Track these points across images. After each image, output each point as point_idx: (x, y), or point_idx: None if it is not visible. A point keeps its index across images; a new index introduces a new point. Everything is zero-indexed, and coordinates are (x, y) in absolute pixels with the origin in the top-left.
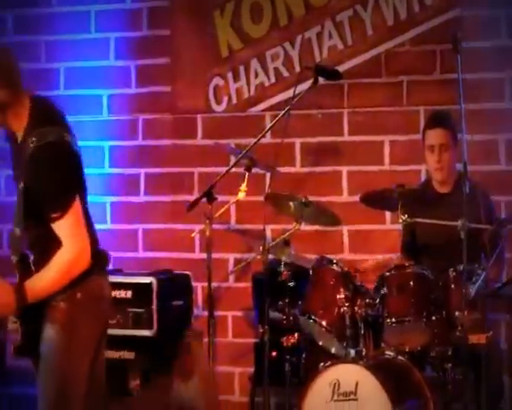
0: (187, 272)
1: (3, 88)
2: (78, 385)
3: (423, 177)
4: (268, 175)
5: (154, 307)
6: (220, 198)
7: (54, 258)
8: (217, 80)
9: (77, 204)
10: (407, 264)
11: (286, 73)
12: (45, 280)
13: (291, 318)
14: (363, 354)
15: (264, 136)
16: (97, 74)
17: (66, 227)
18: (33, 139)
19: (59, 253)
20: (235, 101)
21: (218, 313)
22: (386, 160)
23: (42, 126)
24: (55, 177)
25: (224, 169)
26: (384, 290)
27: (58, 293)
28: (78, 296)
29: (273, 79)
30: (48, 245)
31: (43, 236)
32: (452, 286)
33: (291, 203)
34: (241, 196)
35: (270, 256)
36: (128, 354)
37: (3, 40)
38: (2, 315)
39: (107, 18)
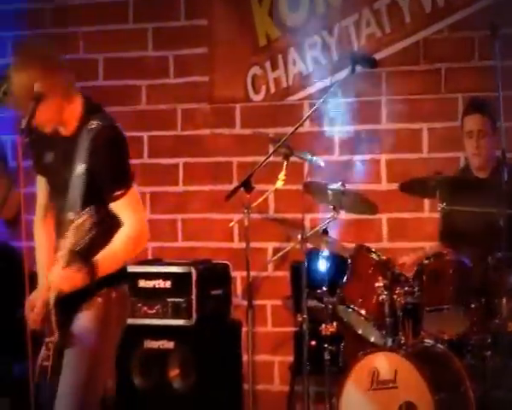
0: (226, 262)
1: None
2: (105, 369)
3: (462, 164)
4: (306, 164)
5: (194, 296)
6: (258, 187)
7: (118, 235)
8: (255, 69)
9: (134, 184)
10: (445, 252)
11: (324, 62)
12: (113, 256)
13: (330, 306)
14: (402, 342)
15: (302, 124)
16: (136, 65)
17: (128, 205)
18: (95, 122)
19: (122, 230)
20: (273, 90)
21: (257, 302)
22: (425, 147)
23: (99, 112)
24: (118, 155)
25: (262, 158)
26: (423, 278)
27: (96, 289)
28: (114, 295)
29: (311, 68)
30: (107, 228)
31: (103, 219)
32: (491, 274)
33: (329, 192)
34: (280, 184)
35: (309, 245)
36: (167, 344)
37: (43, 32)
38: (72, 290)
39: (146, 8)
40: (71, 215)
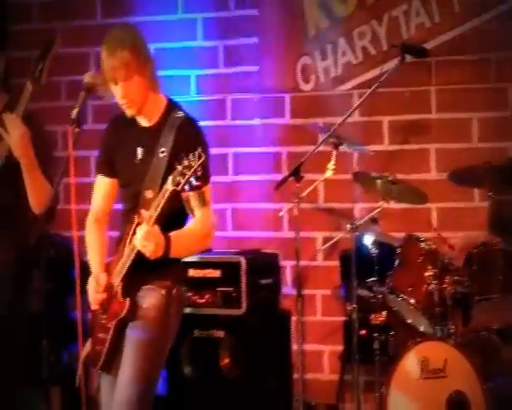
0: (275, 251)
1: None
2: (163, 359)
3: (511, 154)
4: (356, 153)
5: (243, 286)
6: (308, 177)
7: (191, 225)
8: (304, 59)
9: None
10: (494, 241)
11: (373, 52)
12: (185, 241)
13: (379, 296)
14: (452, 331)
15: (351, 114)
16: (185, 55)
17: (204, 198)
18: (181, 113)
19: (199, 220)
20: (322, 79)
21: (307, 291)
22: (474, 137)
23: (181, 107)
24: (202, 147)
25: (311, 148)
26: (472, 267)
27: (160, 281)
28: (174, 292)
29: (360, 58)
30: (176, 216)
31: (175, 206)
32: None
33: (378, 181)
34: (329, 174)
35: (358, 234)
36: (217, 333)
37: (93, 23)
38: (152, 255)
39: None
40: (149, 194)
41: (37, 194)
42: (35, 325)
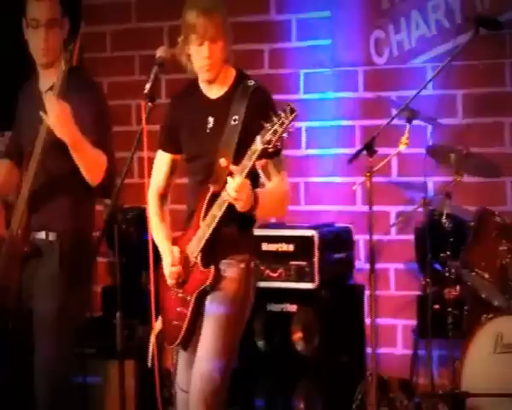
0: (348, 225)
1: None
2: (242, 332)
3: None
4: (429, 127)
5: (316, 260)
6: (381, 151)
7: (275, 186)
8: (378, 33)
9: None
10: None
11: (447, 25)
12: (270, 201)
13: (453, 270)
14: None
15: (425, 87)
16: (258, 29)
17: (281, 163)
18: (252, 81)
19: (279, 183)
20: (396, 53)
21: (380, 265)
22: None
23: (249, 77)
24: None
25: (384, 121)
26: None
27: (238, 255)
28: (252, 265)
29: (434, 31)
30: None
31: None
32: None
33: (452, 155)
34: (402, 148)
35: (432, 209)
36: (290, 307)
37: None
38: (243, 208)
39: None
40: (223, 162)
41: (88, 168)
42: (109, 299)
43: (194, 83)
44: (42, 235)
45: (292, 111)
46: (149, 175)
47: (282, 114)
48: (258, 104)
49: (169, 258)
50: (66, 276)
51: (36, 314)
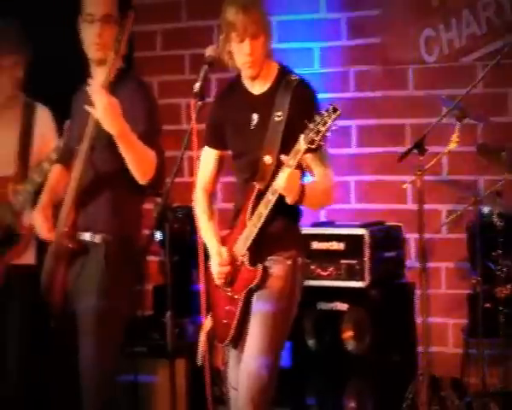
0: (399, 224)
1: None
2: (289, 330)
3: None
4: (480, 125)
5: (367, 258)
6: (431, 149)
7: (321, 178)
8: (428, 31)
9: None
10: None
11: (497, 23)
12: (316, 193)
13: (504, 268)
14: None
15: (475, 86)
16: (309, 27)
17: (325, 157)
18: (295, 76)
19: (324, 176)
20: (446, 51)
21: (431, 264)
22: None
23: (292, 71)
24: (319, 106)
25: (435, 120)
26: None
27: (285, 251)
28: (300, 262)
29: (485, 29)
30: None
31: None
32: None
33: (503, 153)
34: (453, 146)
35: (483, 207)
36: (341, 306)
37: None
38: (292, 200)
39: None
40: (268, 159)
41: (136, 163)
42: (160, 298)
43: (237, 79)
44: (87, 236)
45: (335, 110)
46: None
47: (325, 114)
48: (301, 99)
49: (217, 258)
50: (112, 276)
51: (81, 314)
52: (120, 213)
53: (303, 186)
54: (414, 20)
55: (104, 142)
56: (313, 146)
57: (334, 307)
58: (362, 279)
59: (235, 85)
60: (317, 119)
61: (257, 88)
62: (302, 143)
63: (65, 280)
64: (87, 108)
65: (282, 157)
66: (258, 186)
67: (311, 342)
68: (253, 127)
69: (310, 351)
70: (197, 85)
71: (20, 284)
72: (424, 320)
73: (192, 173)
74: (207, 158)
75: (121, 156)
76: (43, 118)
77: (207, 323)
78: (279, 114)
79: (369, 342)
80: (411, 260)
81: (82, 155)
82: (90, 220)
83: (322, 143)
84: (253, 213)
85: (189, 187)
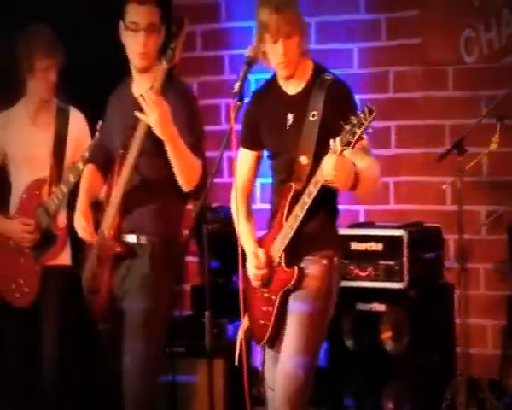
0: (438, 225)
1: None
2: (326, 330)
3: None
4: None
5: (405, 259)
6: (471, 150)
7: (369, 166)
8: (468, 31)
9: None
10: None
11: None
12: (368, 179)
13: None
14: None
15: None
16: (348, 28)
17: (367, 149)
18: (329, 76)
19: (371, 163)
20: (486, 52)
21: (470, 265)
22: None
23: (327, 70)
24: (355, 105)
25: (474, 121)
26: None
27: (321, 251)
28: (336, 262)
29: None
30: None
31: None
32: None
33: None
34: (493, 147)
35: None
36: (379, 307)
37: None
38: (342, 186)
39: None
40: (304, 160)
41: (184, 171)
42: (199, 298)
43: (273, 79)
44: (133, 238)
45: (370, 112)
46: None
47: (361, 115)
48: (335, 99)
49: (254, 259)
50: (157, 276)
51: (127, 315)
52: (165, 215)
53: (357, 172)
54: (454, 21)
55: (152, 148)
56: (348, 147)
57: (372, 307)
58: (400, 280)
59: (270, 85)
60: (353, 120)
61: (292, 88)
62: (338, 145)
63: (110, 283)
64: (137, 114)
65: (331, 142)
66: (294, 187)
67: (349, 343)
68: (288, 127)
69: (348, 351)
70: (237, 85)
71: (56, 284)
72: (463, 321)
73: (231, 174)
74: (244, 159)
75: (167, 163)
76: (77, 121)
77: (245, 323)
78: (314, 113)
79: (407, 342)
80: (450, 261)
81: (130, 161)
82: (135, 223)
83: (363, 137)
84: (289, 214)
85: (229, 187)
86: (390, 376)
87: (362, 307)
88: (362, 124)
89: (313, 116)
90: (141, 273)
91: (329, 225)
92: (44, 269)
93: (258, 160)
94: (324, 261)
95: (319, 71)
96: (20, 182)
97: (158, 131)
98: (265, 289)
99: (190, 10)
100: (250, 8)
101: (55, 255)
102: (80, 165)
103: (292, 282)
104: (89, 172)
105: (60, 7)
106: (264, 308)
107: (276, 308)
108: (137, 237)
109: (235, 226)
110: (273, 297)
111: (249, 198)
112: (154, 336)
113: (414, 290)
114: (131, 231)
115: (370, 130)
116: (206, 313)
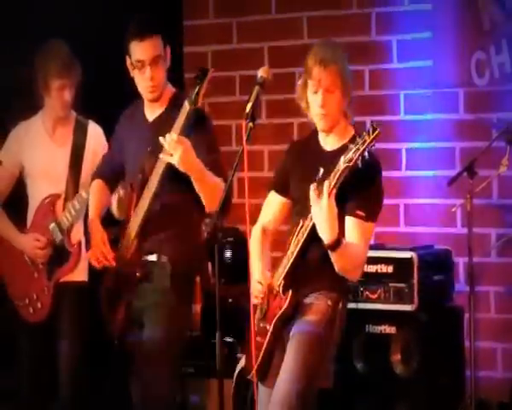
0: (448, 247)
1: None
2: (325, 363)
3: None
4: None
5: (415, 281)
6: (481, 173)
7: (355, 246)
8: (479, 54)
9: None
10: None
11: None
12: (350, 253)
13: None
14: None
15: None
16: (359, 49)
17: (366, 229)
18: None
19: (359, 246)
20: (497, 74)
21: (480, 288)
22: None
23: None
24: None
25: (485, 143)
26: None
27: (327, 291)
28: (340, 306)
29: None
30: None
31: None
32: None
33: None
34: (503, 170)
35: None
36: (389, 329)
37: (267, 18)
38: (323, 231)
39: None
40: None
41: (209, 196)
42: (209, 319)
43: (314, 132)
44: (153, 257)
45: (374, 130)
46: (250, 195)
47: (365, 134)
48: (361, 175)
49: (256, 287)
50: (177, 298)
51: (147, 338)
52: (184, 237)
53: (340, 237)
54: (464, 43)
55: (172, 174)
56: (350, 164)
57: (382, 329)
58: (410, 302)
59: (310, 138)
60: (358, 139)
61: (329, 144)
62: (341, 163)
63: (130, 304)
64: (162, 156)
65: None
66: (301, 222)
67: (359, 365)
68: (317, 179)
69: (358, 373)
70: (248, 106)
71: (71, 300)
72: (472, 344)
73: (242, 195)
74: (272, 200)
75: (187, 187)
76: (95, 136)
77: (241, 362)
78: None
79: (417, 365)
80: (460, 284)
81: (151, 190)
82: (155, 245)
83: (359, 165)
84: (294, 241)
85: (239, 208)
86: (399, 398)
87: (372, 329)
88: (365, 141)
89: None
90: (160, 292)
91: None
92: (60, 285)
93: (285, 206)
94: (329, 301)
95: (356, 138)
96: (36, 195)
97: (182, 169)
98: (262, 321)
99: (201, 30)
100: (260, 30)
101: (68, 271)
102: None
103: (284, 306)
104: (98, 187)
105: (78, 22)
106: (258, 338)
107: (268, 336)
108: (158, 256)
109: (250, 258)
110: (267, 326)
111: (269, 238)
112: (173, 360)
113: (424, 313)
114: (151, 252)
115: (373, 147)
116: (217, 334)
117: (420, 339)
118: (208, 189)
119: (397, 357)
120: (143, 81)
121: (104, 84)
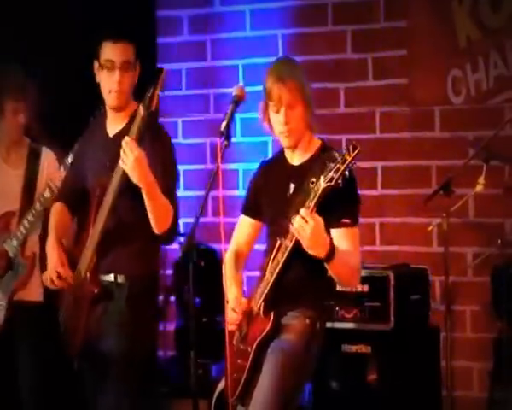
0: (424, 266)
1: None
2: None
3: None
4: (507, 167)
5: (391, 301)
6: (458, 191)
7: (348, 253)
8: (455, 72)
9: None
10: None
11: None
12: (347, 262)
13: None
14: None
15: (503, 128)
16: (333, 67)
17: (354, 236)
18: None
19: (353, 254)
20: (473, 92)
21: (456, 307)
22: None
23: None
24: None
25: (461, 162)
26: None
27: (305, 310)
28: (318, 327)
29: None
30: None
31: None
32: None
33: None
34: (480, 188)
35: (510, 250)
36: (365, 348)
37: (242, 35)
38: (311, 248)
39: (345, 11)
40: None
41: (158, 215)
42: (184, 339)
43: (281, 152)
44: (110, 277)
45: (354, 148)
46: (224, 213)
47: (345, 152)
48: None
49: (233, 303)
50: (135, 316)
51: (104, 356)
52: (142, 255)
53: (332, 243)
54: (441, 61)
55: (129, 190)
56: (332, 183)
57: (358, 349)
58: (386, 322)
59: (277, 158)
60: (338, 158)
61: (296, 159)
62: (322, 182)
63: (87, 323)
64: (119, 164)
65: (301, 210)
66: (280, 241)
67: (334, 385)
68: (289, 196)
69: (333, 393)
70: (223, 124)
71: (27, 320)
72: (448, 363)
73: (216, 213)
74: (243, 224)
75: (144, 204)
76: (49, 161)
77: (220, 385)
78: (313, 180)
79: (392, 385)
80: (436, 303)
81: (107, 204)
82: (112, 263)
83: (340, 184)
84: (273, 262)
85: (212, 227)
86: None
87: (347, 348)
88: (345, 160)
89: (312, 183)
90: (118, 312)
91: (315, 281)
92: (16, 304)
93: (257, 229)
94: (307, 320)
95: (325, 149)
96: None
97: (134, 178)
98: (242, 343)
99: (175, 49)
100: (234, 48)
101: (23, 284)
102: (47, 193)
103: (267, 328)
104: (57, 210)
105: (33, 45)
106: (239, 361)
107: (250, 360)
108: (115, 277)
109: (224, 281)
110: (249, 349)
111: (242, 263)
112: (131, 378)
113: (400, 332)
114: (108, 272)
115: (354, 166)
116: (191, 354)
117: (396, 359)
118: (158, 207)
119: (372, 377)
120: (110, 83)
121: (59, 111)
